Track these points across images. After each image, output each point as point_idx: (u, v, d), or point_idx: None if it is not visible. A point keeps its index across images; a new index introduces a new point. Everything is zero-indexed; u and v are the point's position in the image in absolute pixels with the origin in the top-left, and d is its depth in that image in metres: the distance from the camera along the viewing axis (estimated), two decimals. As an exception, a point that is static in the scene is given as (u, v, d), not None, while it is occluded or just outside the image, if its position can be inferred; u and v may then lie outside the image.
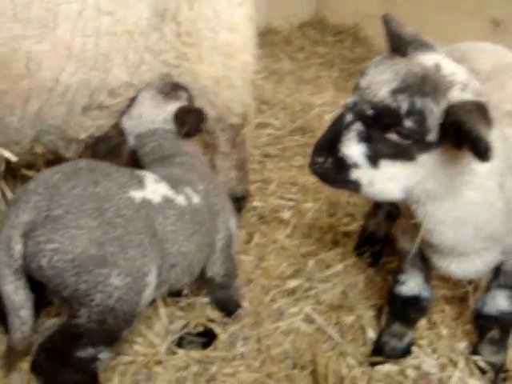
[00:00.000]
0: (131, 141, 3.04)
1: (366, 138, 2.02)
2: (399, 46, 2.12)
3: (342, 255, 3.52)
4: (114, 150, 3.05)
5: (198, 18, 3.10)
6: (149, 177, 2.64)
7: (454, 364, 2.85)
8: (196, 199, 2.74)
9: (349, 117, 2.04)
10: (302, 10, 6.97)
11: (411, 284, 2.78)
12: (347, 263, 3.43)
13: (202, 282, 3.06)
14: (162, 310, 3.03)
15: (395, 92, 1.94)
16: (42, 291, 2.77)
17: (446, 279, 3.25)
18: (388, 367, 2.82)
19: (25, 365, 2.69)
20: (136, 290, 2.41)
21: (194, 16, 3.08)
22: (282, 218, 3.83)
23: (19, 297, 2.38)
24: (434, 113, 1.92)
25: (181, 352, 2.83)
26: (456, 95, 1.93)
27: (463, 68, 2.07)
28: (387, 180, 2.08)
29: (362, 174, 2.07)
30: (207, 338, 2.95)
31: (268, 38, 6.29)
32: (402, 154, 2.00)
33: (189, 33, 3.09)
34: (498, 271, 2.63)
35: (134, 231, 2.41)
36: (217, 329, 2.98)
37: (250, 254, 3.55)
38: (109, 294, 2.35)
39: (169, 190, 2.65)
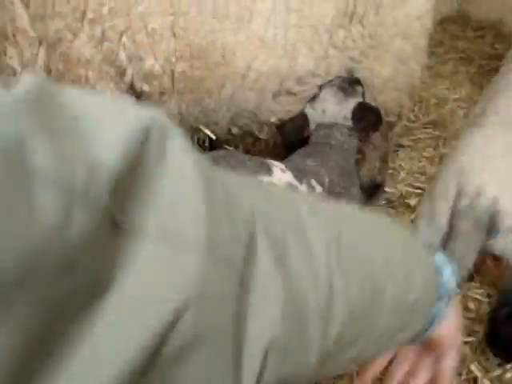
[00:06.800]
0: (312, 126, 3.23)
1: None
2: None
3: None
4: (299, 130, 3.24)
5: (380, 23, 3.24)
6: (277, 166, 2.83)
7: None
8: (319, 189, 2.90)
9: None
10: (445, 5, 6.44)
11: None
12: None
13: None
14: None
15: None
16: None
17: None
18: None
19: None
20: None
21: (377, 21, 3.23)
22: (408, 204, 3.86)
23: None
24: None
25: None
26: None
27: None
28: None
29: None
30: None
31: (410, 34, 6.15)
32: None
33: (371, 35, 3.24)
34: None
35: None
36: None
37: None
38: None
39: (293, 178, 2.83)
